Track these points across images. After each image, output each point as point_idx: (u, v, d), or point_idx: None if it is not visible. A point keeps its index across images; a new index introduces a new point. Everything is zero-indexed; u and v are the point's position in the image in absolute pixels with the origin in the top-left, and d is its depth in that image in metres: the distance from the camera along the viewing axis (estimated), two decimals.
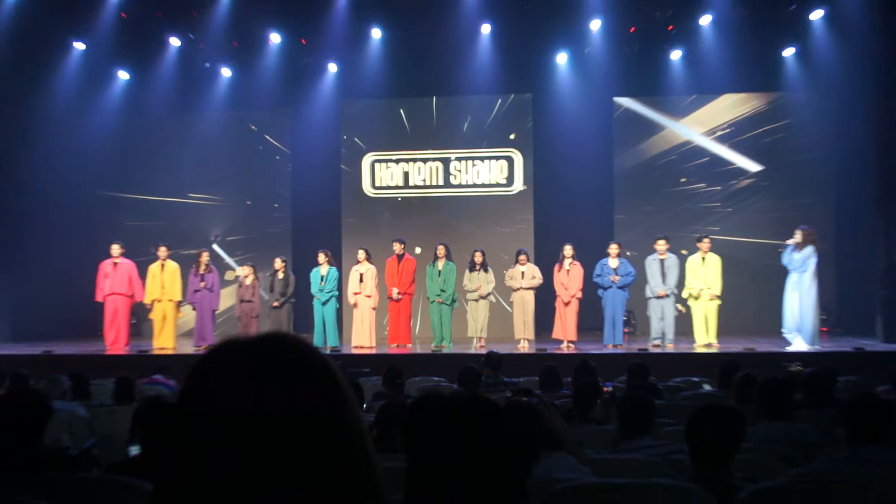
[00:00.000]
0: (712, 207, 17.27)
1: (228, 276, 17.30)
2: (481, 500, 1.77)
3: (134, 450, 4.73)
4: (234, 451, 1.21)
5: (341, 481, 1.25)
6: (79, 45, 16.50)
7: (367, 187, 17.92)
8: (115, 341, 14.60)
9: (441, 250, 14.58)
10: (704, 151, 17.41)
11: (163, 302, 14.74)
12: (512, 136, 17.47)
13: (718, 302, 13.96)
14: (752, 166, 17.23)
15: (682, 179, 17.45)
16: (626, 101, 17.63)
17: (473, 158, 17.70)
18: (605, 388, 7.41)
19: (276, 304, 14.62)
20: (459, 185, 17.74)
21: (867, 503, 3.58)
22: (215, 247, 18.08)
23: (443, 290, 14.42)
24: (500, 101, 17.64)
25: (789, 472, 4.16)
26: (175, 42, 16.80)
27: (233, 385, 1.24)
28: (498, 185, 17.65)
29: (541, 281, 14.30)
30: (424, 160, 17.83)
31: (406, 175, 17.86)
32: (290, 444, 1.22)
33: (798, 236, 13.35)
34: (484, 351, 11.27)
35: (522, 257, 14.41)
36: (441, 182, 17.76)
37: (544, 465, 4.12)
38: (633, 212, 17.47)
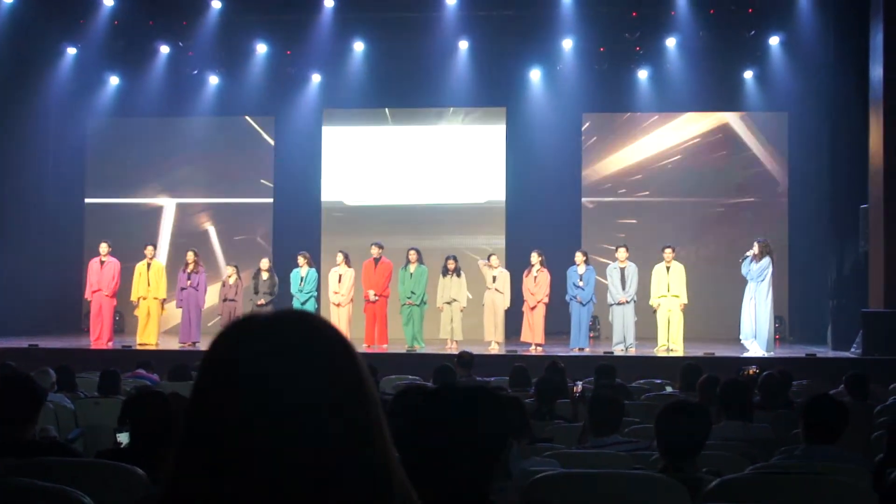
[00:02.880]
0: (674, 219, 17.91)
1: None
2: (465, 481, 1.77)
3: (122, 437, 4.87)
4: (252, 428, 1.19)
5: (359, 458, 1.23)
6: (71, 50, 17.09)
7: (347, 195, 18.58)
8: (99, 336, 14.91)
9: (413, 255, 15.05)
10: (666, 167, 18.16)
11: (148, 299, 15.10)
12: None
13: (682, 309, 14.44)
14: (715, 182, 18.03)
15: (646, 192, 18.24)
16: (595, 116, 18.42)
17: (450, 167, 18.40)
18: (575, 388, 7.94)
19: (261, 302, 15.04)
20: (435, 194, 18.42)
21: (821, 494, 3.71)
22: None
23: (413, 293, 14.91)
24: (475, 113, 18.35)
25: (751, 467, 4.34)
26: (165, 49, 17.37)
27: (252, 360, 1.23)
28: (472, 194, 18.37)
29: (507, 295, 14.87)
30: (402, 168, 18.49)
31: (384, 183, 18.52)
32: (308, 420, 1.20)
33: (756, 248, 13.85)
34: (456, 351, 11.49)
35: (494, 260, 14.96)
36: (417, 191, 18.44)
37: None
38: (599, 221, 18.23)
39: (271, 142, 18.89)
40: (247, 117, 18.79)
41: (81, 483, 3.51)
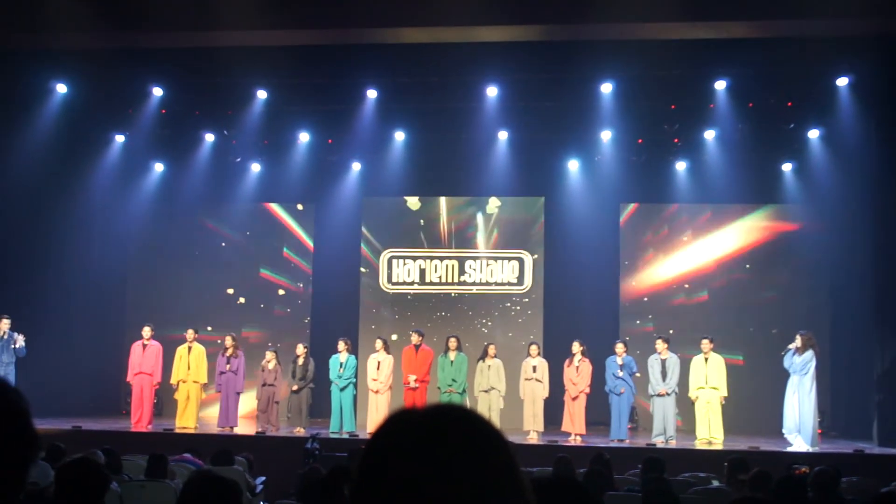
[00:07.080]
0: (714, 309, 17.94)
1: None
2: None
3: None
4: None
5: None
6: (119, 138, 17.52)
7: (383, 282, 18.68)
8: (140, 419, 15.07)
9: (453, 342, 15.04)
10: (706, 259, 18.18)
11: (188, 383, 15.26)
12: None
13: (722, 401, 14.42)
14: (758, 274, 17.99)
15: (686, 286, 18.21)
16: (635, 207, 18.50)
17: (487, 258, 18.51)
18: None
19: (294, 388, 15.13)
20: (474, 283, 18.49)
21: None
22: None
23: (454, 380, 14.89)
24: (514, 203, 18.53)
25: None
26: (210, 137, 17.72)
27: (414, 461, 1.22)
28: (509, 283, 18.41)
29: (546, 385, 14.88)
30: (441, 258, 18.63)
31: (422, 272, 18.63)
32: None
33: (798, 341, 13.83)
34: None
35: (533, 349, 15.05)
36: (455, 280, 18.51)
37: None
38: (638, 312, 18.19)
39: (311, 228, 19.09)
40: (287, 204, 19.04)
41: None
